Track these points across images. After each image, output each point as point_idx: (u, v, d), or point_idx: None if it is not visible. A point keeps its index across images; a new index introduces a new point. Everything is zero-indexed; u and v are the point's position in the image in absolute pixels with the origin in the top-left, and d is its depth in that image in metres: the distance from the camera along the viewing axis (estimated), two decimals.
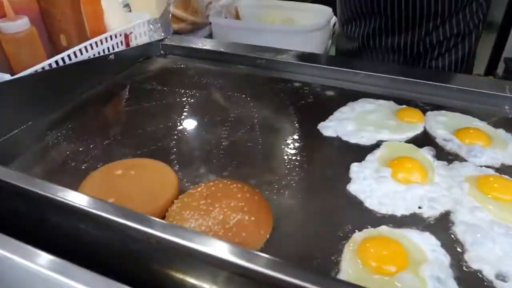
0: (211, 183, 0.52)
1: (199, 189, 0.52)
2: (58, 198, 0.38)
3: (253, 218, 0.47)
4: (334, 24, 1.53)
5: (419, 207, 0.54)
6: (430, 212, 0.53)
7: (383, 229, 0.50)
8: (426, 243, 0.49)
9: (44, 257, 0.33)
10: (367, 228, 0.51)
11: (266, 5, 1.43)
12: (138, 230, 0.33)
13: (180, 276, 0.37)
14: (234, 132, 0.70)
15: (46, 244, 0.48)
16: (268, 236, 0.48)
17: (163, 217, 0.50)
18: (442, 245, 0.48)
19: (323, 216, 0.53)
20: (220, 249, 0.33)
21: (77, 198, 0.38)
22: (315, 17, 1.29)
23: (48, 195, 0.39)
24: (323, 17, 1.25)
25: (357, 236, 0.49)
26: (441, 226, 0.51)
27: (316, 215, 0.53)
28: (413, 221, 0.52)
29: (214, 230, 0.46)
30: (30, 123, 0.72)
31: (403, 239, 0.48)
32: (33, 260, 0.33)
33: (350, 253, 0.47)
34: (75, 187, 0.55)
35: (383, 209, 0.54)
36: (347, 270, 0.45)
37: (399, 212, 0.53)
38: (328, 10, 1.30)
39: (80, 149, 0.66)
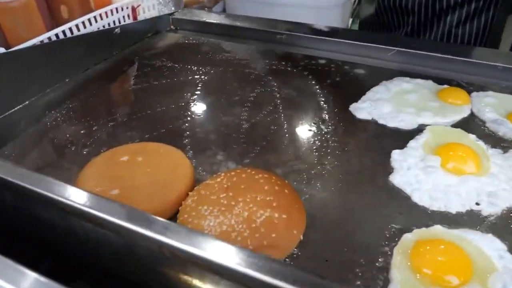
0: (233, 173, 0.44)
1: (218, 179, 0.43)
2: (49, 195, 0.30)
3: (284, 216, 0.39)
4: (355, 1, 1.43)
5: (477, 203, 0.46)
6: (490, 209, 0.45)
7: (438, 229, 0.42)
8: (491, 248, 0.40)
9: (27, 276, 0.25)
10: (418, 227, 0.42)
11: None
12: (148, 237, 0.25)
13: None
14: (255, 114, 0.61)
15: (37, 243, 0.41)
16: (301, 237, 0.40)
17: (176, 213, 0.42)
18: (510, 250, 0.40)
19: (363, 213, 0.44)
20: (253, 264, 0.25)
21: (71, 194, 0.30)
22: None
23: (37, 190, 0.31)
24: None
25: (408, 237, 0.41)
26: (505, 226, 0.43)
27: (356, 211, 0.45)
28: (471, 220, 0.44)
29: (238, 230, 0.38)
30: (26, 102, 0.64)
31: (463, 243, 0.40)
32: (12, 278, 0.25)
33: (400, 259, 0.39)
34: (74, 174, 0.48)
35: (435, 205, 0.45)
36: (399, 280, 0.37)
37: (454, 208, 0.45)
38: None
39: (82, 131, 0.58)
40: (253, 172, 0.44)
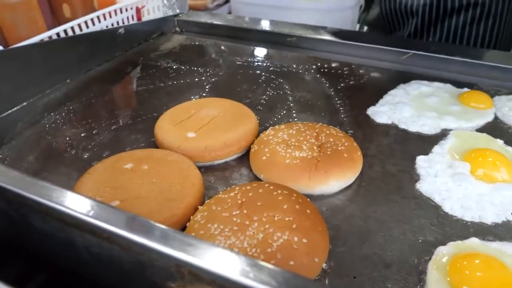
0: (248, 187, 0.39)
1: (232, 193, 0.39)
2: (45, 202, 0.26)
3: (305, 240, 0.34)
4: (361, 6, 1.40)
5: None
6: None
7: (475, 242, 0.38)
8: None
9: None
10: (452, 240, 0.38)
11: None
12: (164, 254, 0.21)
13: None
14: (268, 117, 0.57)
15: (30, 258, 0.36)
16: (324, 265, 0.35)
17: (183, 229, 0.38)
18: None
19: (391, 224, 0.40)
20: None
21: (72, 202, 0.26)
22: None
23: (32, 196, 0.27)
24: None
25: (443, 251, 0.37)
26: None
27: (383, 222, 0.41)
28: (508, 231, 0.40)
29: (250, 254, 0.33)
30: (24, 104, 0.60)
31: (503, 257, 0.36)
32: None
33: (437, 275, 0.35)
34: (74, 180, 0.44)
35: (468, 215, 0.41)
36: None
37: (489, 219, 0.41)
38: None
39: (82, 134, 0.53)
40: (271, 187, 0.39)
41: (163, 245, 0.21)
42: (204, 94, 0.64)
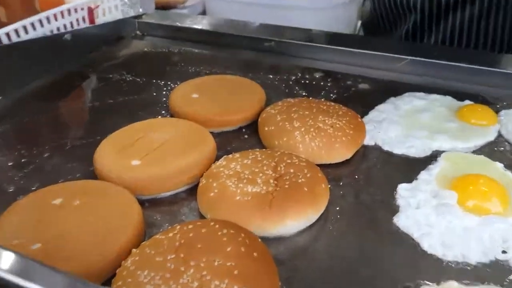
0: (190, 226, 0.41)
1: (170, 234, 0.41)
2: None
3: None
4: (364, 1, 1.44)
5: (503, 251, 0.44)
6: None
7: (453, 286, 0.40)
8: None
9: None
10: (427, 284, 0.40)
11: None
12: None
13: None
14: (231, 140, 0.60)
15: None
16: None
17: (114, 275, 0.40)
18: None
19: (361, 265, 0.42)
20: None
21: None
22: None
23: None
24: None
25: None
26: None
27: (350, 263, 0.43)
28: (495, 273, 0.42)
29: None
30: None
31: None
32: None
33: None
34: None
35: (449, 255, 0.44)
36: None
37: (473, 259, 0.43)
38: None
39: (9, 163, 0.56)
40: (217, 226, 0.41)
41: None
42: (163, 112, 0.67)
